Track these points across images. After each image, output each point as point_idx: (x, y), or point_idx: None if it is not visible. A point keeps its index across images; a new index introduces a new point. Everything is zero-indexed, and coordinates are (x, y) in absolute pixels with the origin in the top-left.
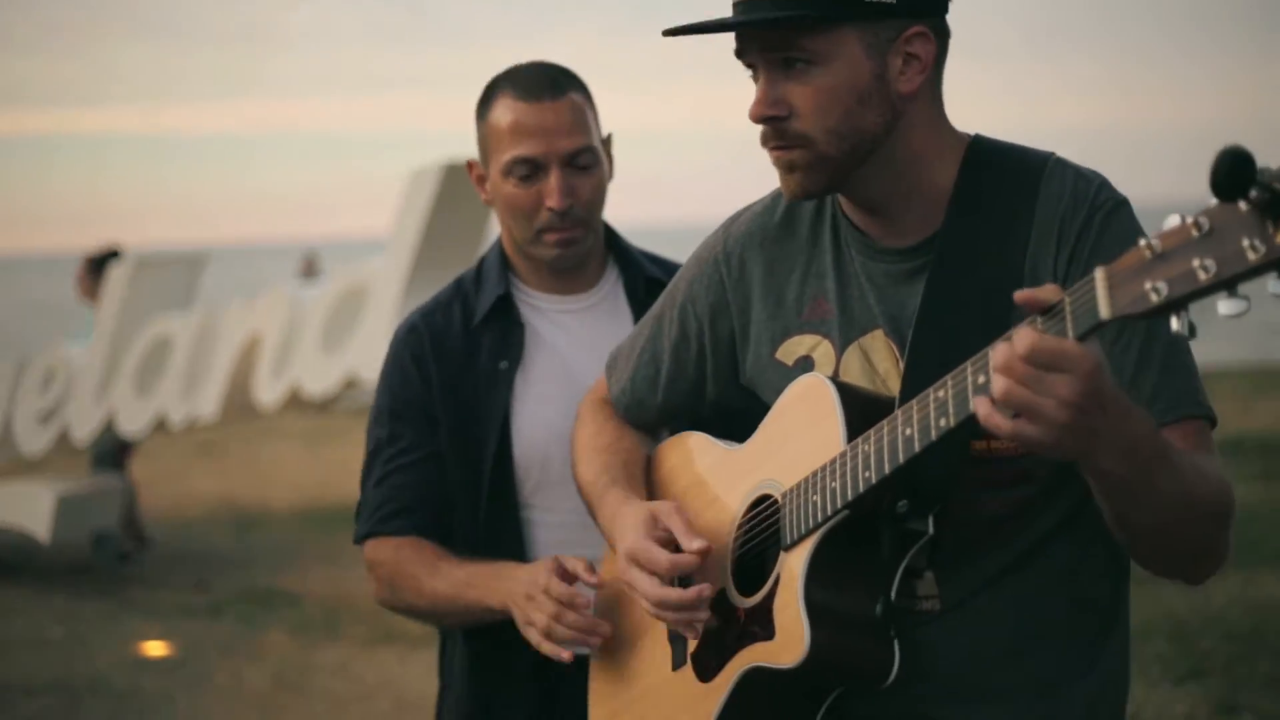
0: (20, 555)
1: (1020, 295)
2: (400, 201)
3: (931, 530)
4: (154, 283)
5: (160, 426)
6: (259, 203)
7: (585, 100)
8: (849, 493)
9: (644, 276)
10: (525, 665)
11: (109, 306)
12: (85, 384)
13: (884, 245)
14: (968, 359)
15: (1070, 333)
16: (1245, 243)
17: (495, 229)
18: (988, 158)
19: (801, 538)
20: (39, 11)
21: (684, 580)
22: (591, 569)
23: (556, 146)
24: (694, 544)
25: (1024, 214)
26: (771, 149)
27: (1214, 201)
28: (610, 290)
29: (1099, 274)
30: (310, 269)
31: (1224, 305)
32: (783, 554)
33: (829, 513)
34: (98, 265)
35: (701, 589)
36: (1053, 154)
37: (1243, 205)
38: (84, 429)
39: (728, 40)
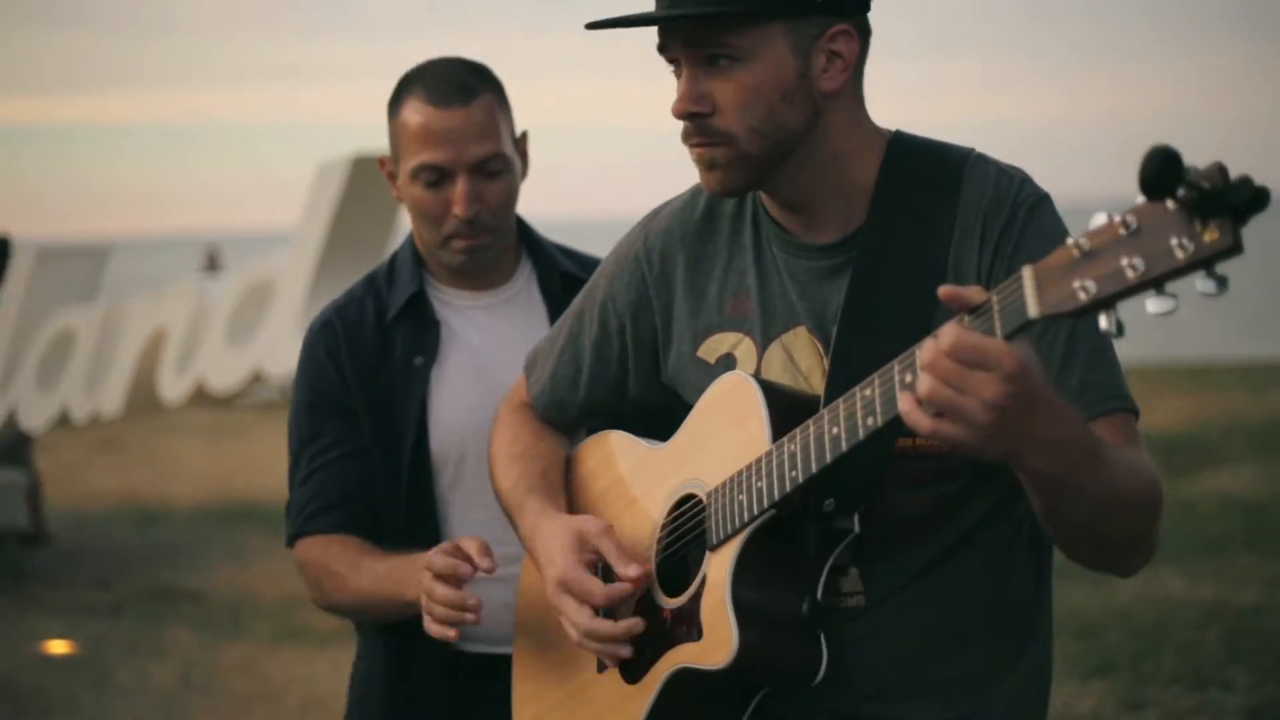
0: None
1: (945, 291)
2: (307, 195)
3: (858, 528)
4: (57, 275)
5: (63, 421)
6: (159, 195)
7: (497, 101)
8: (775, 492)
9: (558, 271)
10: (444, 664)
11: (11, 298)
12: None
13: (805, 242)
14: (892, 356)
15: (998, 331)
16: (1174, 241)
17: (405, 223)
18: (909, 154)
19: (727, 538)
20: None
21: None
22: (487, 551)
23: (464, 154)
24: (629, 570)
25: (946, 210)
26: (693, 145)
27: (1140, 200)
28: (524, 285)
29: (1026, 272)
30: (212, 263)
31: (1152, 304)
32: (708, 554)
33: (755, 512)
34: None
35: (632, 624)
36: (973, 150)
37: (1170, 204)
38: None
39: (641, 37)
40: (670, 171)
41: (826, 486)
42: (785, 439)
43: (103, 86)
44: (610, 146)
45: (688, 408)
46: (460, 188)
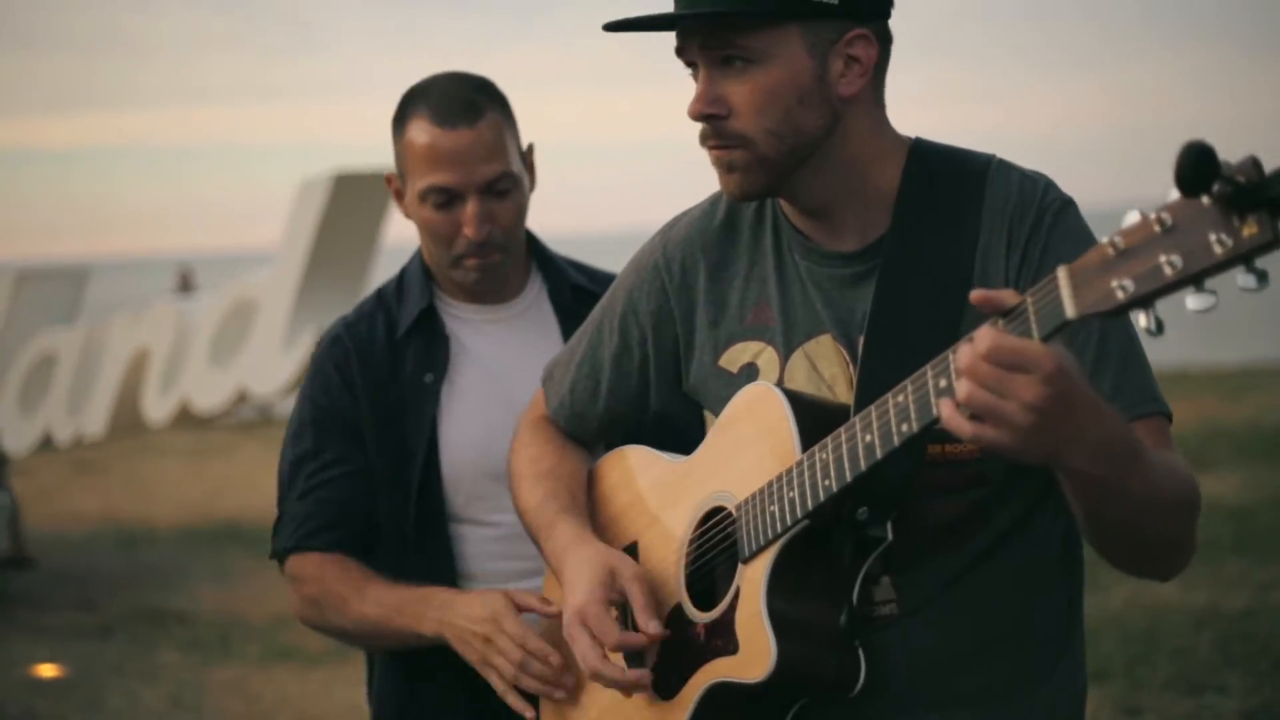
0: None
1: (977, 295)
2: (289, 213)
3: (890, 536)
4: (37, 297)
5: (46, 443)
6: (132, 216)
7: (503, 118)
8: (809, 502)
9: (569, 284)
10: (458, 685)
11: None
12: None
13: (829, 249)
14: (921, 362)
15: (1035, 333)
16: (1212, 237)
17: (387, 241)
18: (930, 160)
19: (760, 549)
20: None
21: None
22: (547, 600)
23: (474, 176)
24: (650, 626)
25: (971, 216)
26: (710, 148)
27: (1174, 197)
28: (535, 299)
29: (1062, 273)
30: (185, 283)
31: (1192, 300)
32: (740, 567)
33: (789, 523)
34: None
35: (642, 675)
36: (994, 156)
37: (1205, 200)
38: None
39: (621, 52)
40: (654, 187)
41: (859, 495)
42: (816, 448)
43: (70, 109)
44: (589, 161)
45: (701, 419)
46: (470, 209)
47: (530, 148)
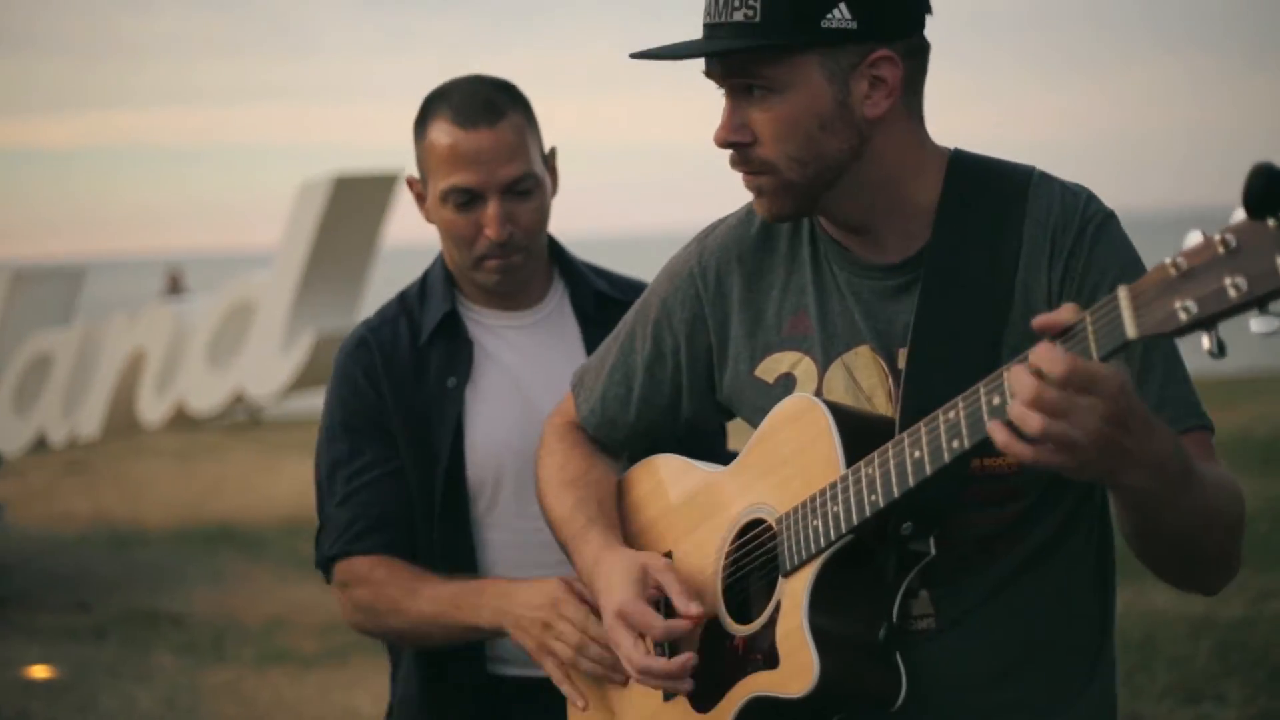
0: None
1: (1039, 321)
2: (288, 215)
3: (933, 551)
4: (32, 297)
5: (40, 444)
6: (129, 217)
7: (525, 120)
8: (854, 517)
9: (592, 290)
10: (480, 685)
11: None
12: None
13: (869, 262)
14: (963, 374)
15: (1094, 353)
16: (1279, 260)
17: (388, 243)
18: (970, 172)
19: (802, 563)
20: None
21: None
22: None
23: (495, 176)
24: (691, 608)
25: (1013, 229)
26: (740, 173)
27: (1239, 218)
28: (557, 305)
29: (1123, 293)
30: (175, 285)
31: (1256, 323)
32: (781, 580)
33: (833, 538)
34: None
35: (687, 659)
36: (1035, 168)
37: (1271, 223)
38: None
39: (617, 53)
40: (650, 192)
41: (904, 510)
42: (862, 463)
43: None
44: (584, 165)
45: (741, 429)
46: (492, 210)
47: (553, 151)
